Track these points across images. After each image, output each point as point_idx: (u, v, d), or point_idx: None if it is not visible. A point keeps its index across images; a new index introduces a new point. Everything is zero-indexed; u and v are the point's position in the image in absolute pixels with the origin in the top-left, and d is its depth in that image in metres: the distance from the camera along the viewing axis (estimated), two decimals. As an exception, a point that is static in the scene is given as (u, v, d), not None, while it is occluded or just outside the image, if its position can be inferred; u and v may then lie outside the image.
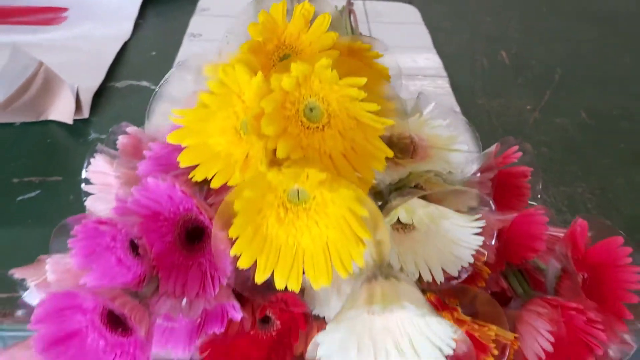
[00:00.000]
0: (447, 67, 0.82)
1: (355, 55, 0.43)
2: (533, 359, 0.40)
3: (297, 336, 0.38)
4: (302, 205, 0.33)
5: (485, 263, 0.42)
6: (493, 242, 0.39)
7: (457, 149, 0.44)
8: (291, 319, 0.39)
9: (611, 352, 0.42)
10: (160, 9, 0.98)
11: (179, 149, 0.36)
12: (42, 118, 0.68)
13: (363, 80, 0.33)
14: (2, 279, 0.49)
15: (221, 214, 0.32)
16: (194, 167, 0.36)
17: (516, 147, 0.49)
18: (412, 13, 0.98)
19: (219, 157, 0.36)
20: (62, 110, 0.67)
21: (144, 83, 0.78)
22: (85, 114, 0.69)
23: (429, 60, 0.84)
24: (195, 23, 0.91)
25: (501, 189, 0.49)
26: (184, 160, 0.36)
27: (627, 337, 0.42)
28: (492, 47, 0.91)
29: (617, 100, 0.79)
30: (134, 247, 0.37)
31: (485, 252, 0.39)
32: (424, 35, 0.91)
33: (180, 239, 0.38)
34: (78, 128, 0.69)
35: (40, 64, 0.61)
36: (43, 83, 0.63)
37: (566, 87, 0.82)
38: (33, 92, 0.62)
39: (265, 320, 0.40)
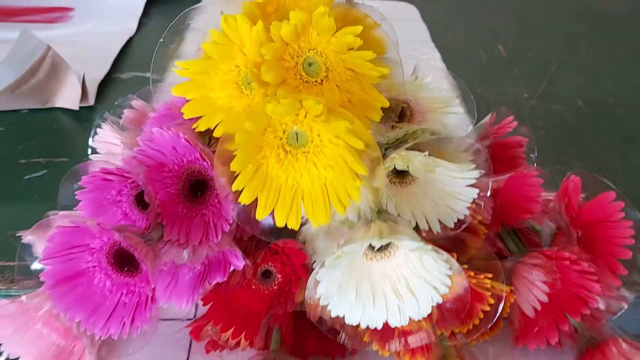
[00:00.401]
0: (445, 60, 0.84)
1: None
2: (529, 310, 0.41)
3: (298, 284, 0.39)
4: (301, 148, 0.34)
5: (481, 223, 0.43)
6: (488, 194, 0.40)
7: (452, 111, 0.45)
8: (292, 271, 0.40)
9: (605, 306, 0.43)
10: (164, 8, 1.00)
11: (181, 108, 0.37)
12: (49, 105, 0.70)
13: (359, 29, 0.35)
14: (9, 247, 0.51)
15: (221, 153, 0.33)
16: (196, 121, 0.37)
17: (511, 117, 0.51)
18: (411, 11, 1.00)
19: (221, 109, 0.37)
20: (68, 97, 0.69)
21: (148, 74, 0.80)
22: (91, 101, 0.71)
23: (428, 55, 0.86)
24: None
25: (497, 159, 0.50)
26: (187, 112, 0.37)
27: (621, 291, 0.43)
28: (490, 42, 0.93)
29: (612, 89, 0.80)
30: (139, 201, 0.39)
31: (481, 204, 0.40)
32: (423, 32, 0.93)
33: (184, 192, 0.39)
34: (83, 115, 0.70)
35: (48, 48, 0.63)
36: (50, 68, 0.64)
37: (562, 78, 0.84)
38: (40, 76, 0.64)
39: (267, 275, 0.41)
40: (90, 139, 0.49)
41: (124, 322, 0.33)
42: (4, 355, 0.41)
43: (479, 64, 0.88)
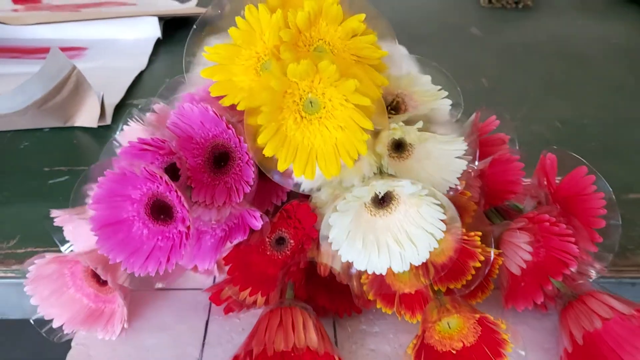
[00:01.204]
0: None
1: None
2: (515, 269, 0.46)
3: (310, 242, 0.44)
4: (315, 114, 0.39)
5: (471, 200, 0.49)
6: (476, 165, 0.45)
7: (442, 104, 0.51)
8: (304, 235, 0.45)
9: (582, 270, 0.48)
10: (171, 47, 1.08)
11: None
12: (69, 124, 0.76)
13: (363, 15, 0.41)
14: (38, 237, 0.55)
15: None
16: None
17: (494, 117, 0.57)
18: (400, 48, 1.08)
19: (243, 90, 0.43)
20: (87, 116, 0.75)
21: (160, 101, 0.86)
22: (108, 120, 0.77)
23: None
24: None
25: (484, 155, 0.56)
26: (214, 91, 0.43)
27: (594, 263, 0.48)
28: (474, 75, 1.00)
29: (587, 112, 0.87)
30: (169, 173, 0.44)
31: (471, 172, 0.45)
32: (412, 66, 1.01)
33: (209, 163, 0.44)
34: (101, 133, 0.76)
35: (74, 67, 0.69)
36: (74, 86, 0.70)
37: (540, 104, 0.91)
38: (65, 94, 0.70)
39: (280, 241, 0.46)
40: (117, 133, 0.54)
41: (161, 262, 0.38)
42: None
43: (464, 92, 0.95)
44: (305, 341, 0.38)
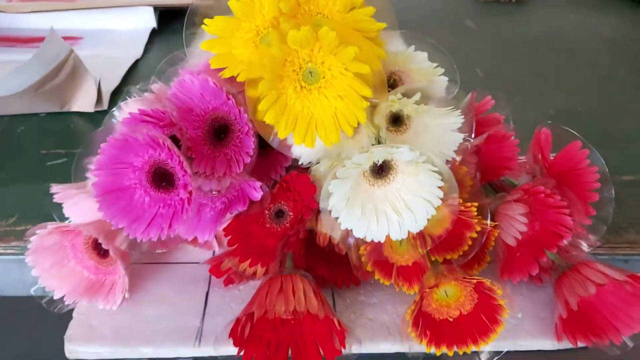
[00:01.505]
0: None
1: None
2: (511, 242, 0.46)
3: (309, 212, 0.44)
4: (315, 84, 0.40)
5: (467, 175, 0.49)
6: (472, 138, 0.46)
7: (438, 80, 0.52)
8: (303, 207, 0.45)
9: (583, 245, 0.48)
10: (166, 37, 1.08)
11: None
12: (66, 109, 0.76)
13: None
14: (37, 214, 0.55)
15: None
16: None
17: (489, 97, 0.58)
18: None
19: (242, 63, 0.44)
20: (84, 100, 0.75)
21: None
22: (105, 105, 0.77)
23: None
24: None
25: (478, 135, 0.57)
26: (214, 63, 0.43)
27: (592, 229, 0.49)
28: (469, 66, 1.01)
29: (580, 101, 0.88)
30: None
31: (468, 145, 0.46)
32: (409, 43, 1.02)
33: (209, 135, 0.44)
34: (98, 118, 0.76)
35: (71, 51, 0.70)
36: (71, 70, 0.71)
37: (534, 94, 0.92)
38: (62, 77, 0.70)
39: (279, 214, 0.46)
40: (116, 111, 0.54)
41: (162, 228, 0.38)
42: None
43: (460, 82, 0.96)
44: (306, 305, 0.39)
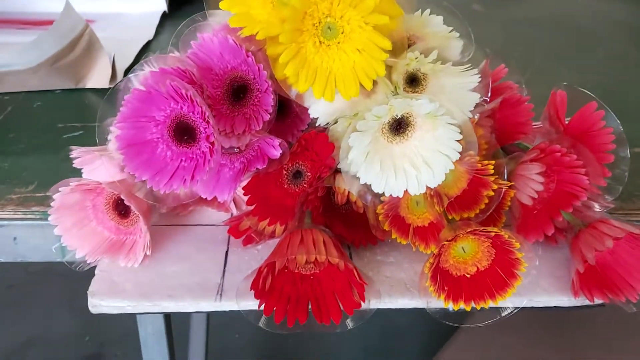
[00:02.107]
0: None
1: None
2: (527, 201, 0.47)
3: (327, 171, 0.45)
4: (333, 40, 0.40)
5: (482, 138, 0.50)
6: (488, 96, 0.46)
7: (454, 44, 0.52)
8: (321, 166, 0.46)
9: (596, 207, 0.49)
10: (178, 21, 1.08)
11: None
12: (80, 85, 0.77)
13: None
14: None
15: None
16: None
17: (502, 65, 0.58)
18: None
19: (261, 23, 0.44)
20: (99, 77, 0.76)
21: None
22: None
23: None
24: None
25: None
26: (232, 22, 0.44)
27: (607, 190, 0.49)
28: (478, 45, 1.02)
29: (590, 77, 0.89)
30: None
31: (484, 104, 0.46)
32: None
33: (228, 95, 0.45)
34: (112, 94, 0.77)
35: (87, 25, 0.70)
36: (86, 45, 0.71)
37: (544, 71, 0.92)
38: (78, 52, 0.71)
39: (297, 175, 0.47)
40: (132, 74, 0.55)
41: (185, 179, 0.39)
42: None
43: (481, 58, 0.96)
44: (327, 255, 0.39)
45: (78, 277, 0.49)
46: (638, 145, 0.69)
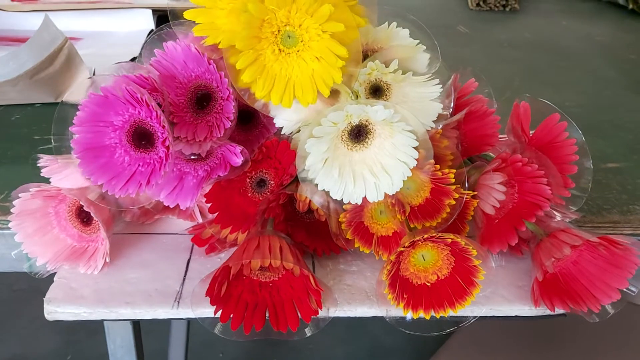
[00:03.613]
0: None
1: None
2: (490, 210, 0.47)
3: (289, 178, 0.45)
4: (293, 48, 0.41)
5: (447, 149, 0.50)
6: (452, 104, 0.47)
7: (420, 57, 0.52)
8: (284, 174, 0.46)
9: (559, 217, 0.49)
10: (164, 39, 1.09)
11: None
12: (60, 99, 0.77)
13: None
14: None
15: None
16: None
17: (472, 80, 0.58)
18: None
19: (225, 32, 0.45)
20: (79, 91, 0.76)
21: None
22: (99, 96, 0.78)
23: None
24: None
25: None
26: (197, 32, 0.44)
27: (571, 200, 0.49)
28: (459, 66, 1.03)
29: (569, 97, 0.89)
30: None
31: (447, 114, 0.46)
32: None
33: (191, 103, 0.45)
34: (91, 108, 0.77)
35: (66, 39, 0.71)
36: (66, 59, 0.72)
37: (525, 90, 0.92)
38: (57, 66, 0.71)
39: (261, 184, 0.47)
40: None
41: (141, 184, 0.39)
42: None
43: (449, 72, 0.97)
44: (282, 261, 0.39)
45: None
46: (612, 161, 0.70)
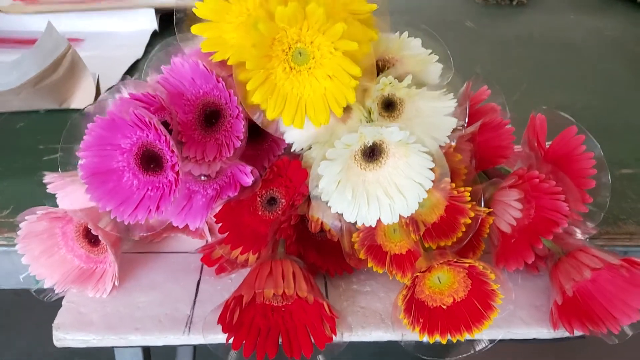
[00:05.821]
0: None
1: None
2: (506, 228, 0.46)
3: (301, 198, 0.44)
4: (304, 65, 0.40)
5: (461, 162, 0.49)
6: (466, 116, 0.45)
7: (433, 68, 0.51)
8: (295, 193, 0.45)
9: (577, 233, 0.48)
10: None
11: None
12: (64, 106, 0.76)
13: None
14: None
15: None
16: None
17: (485, 87, 0.57)
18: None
19: (233, 47, 0.43)
20: (83, 97, 0.75)
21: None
22: (103, 102, 0.77)
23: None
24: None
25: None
26: (204, 47, 0.43)
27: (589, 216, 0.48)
28: (469, 67, 1.01)
29: (579, 97, 0.88)
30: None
31: (461, 129, 0.45)
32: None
33: (200, 120, 0.44)
34: (96, 115, 0.76)
35: (69, 45, 0.70)
36: (69, 66, 0.71)
37: (534, 90, 0.91)
38: (60, 73, 0.70)
39: (271, 202, 0.46)
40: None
41: (150, 209, 0.38)
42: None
43: (462, 81, 0.96)
44: (295, 289, 0.38)
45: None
46: (626, 167, 0.68)
